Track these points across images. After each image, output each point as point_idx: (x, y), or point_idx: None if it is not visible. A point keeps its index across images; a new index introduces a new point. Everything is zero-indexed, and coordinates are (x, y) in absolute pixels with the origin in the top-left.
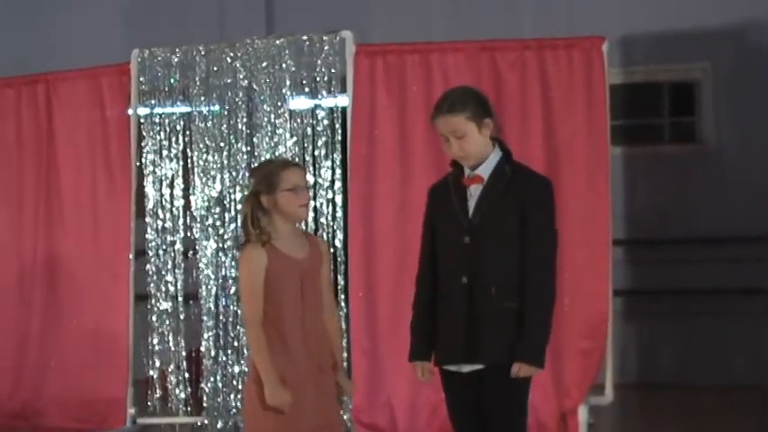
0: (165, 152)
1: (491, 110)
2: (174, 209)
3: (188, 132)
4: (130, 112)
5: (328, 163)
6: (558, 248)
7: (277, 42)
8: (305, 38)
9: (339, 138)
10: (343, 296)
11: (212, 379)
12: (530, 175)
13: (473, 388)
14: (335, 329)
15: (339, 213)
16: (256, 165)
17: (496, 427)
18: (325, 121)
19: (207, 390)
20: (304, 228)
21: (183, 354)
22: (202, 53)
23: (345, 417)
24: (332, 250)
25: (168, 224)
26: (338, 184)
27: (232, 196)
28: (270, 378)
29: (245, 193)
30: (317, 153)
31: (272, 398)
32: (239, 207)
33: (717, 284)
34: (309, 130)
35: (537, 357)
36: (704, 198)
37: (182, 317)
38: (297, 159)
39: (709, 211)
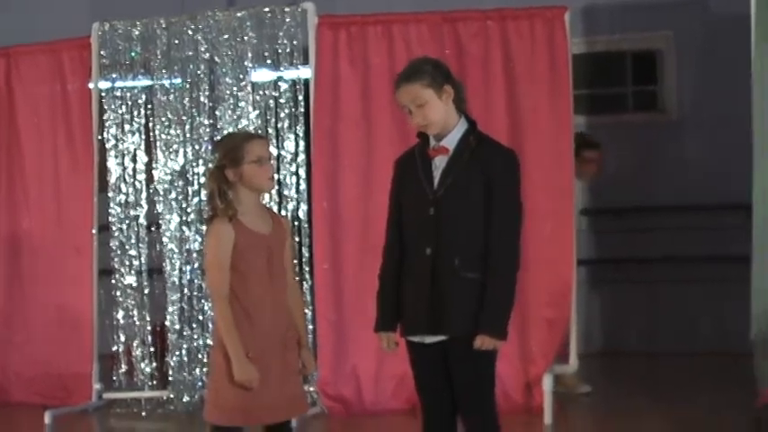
0: (127, 126)
1: (452, 78)
2: (136, 183)
3: (150, 106)
4: (92, 85)
5: (291, 135)
6: (522, 220)
7: (238, 15)
8: (266, 10)
9: (302, 110)
10: (307, 269)
11: (177, 353)
12: (495, 147)
13: (438, 358)
14: (298, 306)
15: (303, 186)
16: (219, 138)
17: (464, 398)
18: (288, 94)
19: (172, 364)
20: (267, 201)
21: (148, 328)
22: (163, 26)
23: (311, 389)
24: (296, 223)
25: (131, 198)
26: (302, 157)
27: (195, 170)
28: (237, 354)
29: (209, 167)
30: (280, 125)
31: (239, 373)
32: (202, 180)
33: (680, 252)
34: (272, 102)
35: (499, 329)
36: (667, 167)
37: (146, 291)
38: (260, 132)
39: (672, 179)
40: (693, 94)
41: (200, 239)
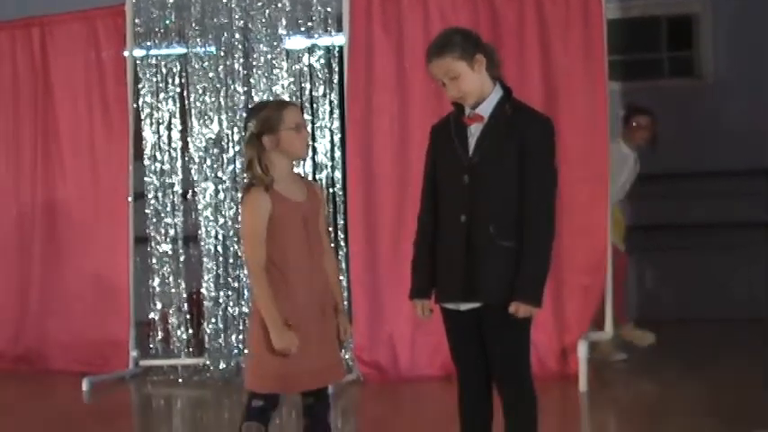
0: (161, 94)
1: (482, 46)
2: (171, 151)
3: (184, 74)
4: (126, 54)
5: (326, 103)
6: (557, 188)
7: None
8: None
9: (336, 77)
10: (342, 235)
11: (213, 320)
12: (530, 114)
13: (472, 325)
14: (334, 272)
15: (337, 153)
16: (252, 106)
17: (499, 366)
18: (322, 61)
19: (208, 331)
20: (302, 168)
21: (184, 296)
22: None
23: (347, 356)
24: (331, 190)
25: (166, 166)
26: (336, 124)
27: (230, 137)
28: (275, 322)
29: (244, 135)
30: (314, 93)
31: (278, 341)
32: (237, 148)
33: (716, 218)
34: (306, 69)
35: (534, 297)
36: (703, 133)
37: (181, 259)
38: (294, 99)
39: (708, 145)
40: (729, 59)
41: (235, 207)
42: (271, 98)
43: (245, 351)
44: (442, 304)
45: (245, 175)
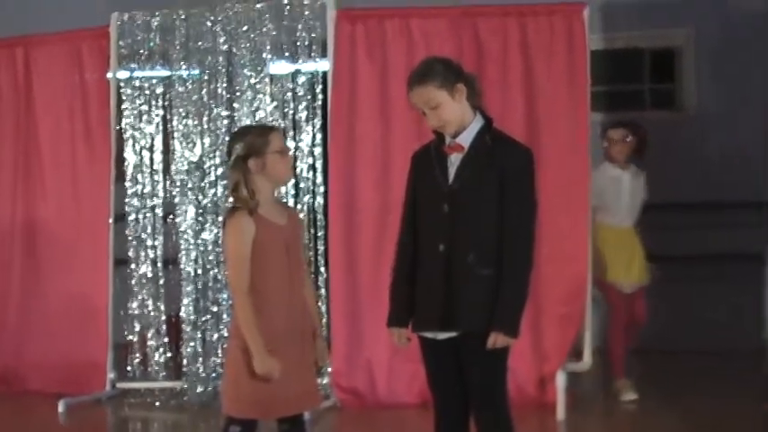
0: (144, 116)
1: (463, 74)
2: (153, 173)
3: (168, 96)
4: (110, 75)
5: (309, 128)
6: (536, 218)
7: (257, 6)
8: (285, 2)
9: (320, 103)
10: (323, 261)
11: (191, 344)
12: (510, 145)
13: (450, 354)
14: (311, 297)
15: (319, 179)
16: (237, 130)
17: (476, 395)
18: (306, 86)
19: (186, 354)
20: (283, 193)
21: (163, 318)
22: (182, 17)
23: (325, 381)
24: (312, 216)
25: (148, 188)
26: (318, 150)
27: (212, 161)
28: (258, 347)
29: (228, 159)
30: (297, 118)
31: (261, 366)
32: (219, 172)
33: (695, 250)
34: (290, 94)
35: (512, 328)
36: (684, 165)
37: (161, 281)
38: (278, 124)
39: (689, 177)
40: (711, 92)
41: (215, 231)
42: (254, 123)
43: (223, 375)
44: (420, 333)
45: (226, 198)
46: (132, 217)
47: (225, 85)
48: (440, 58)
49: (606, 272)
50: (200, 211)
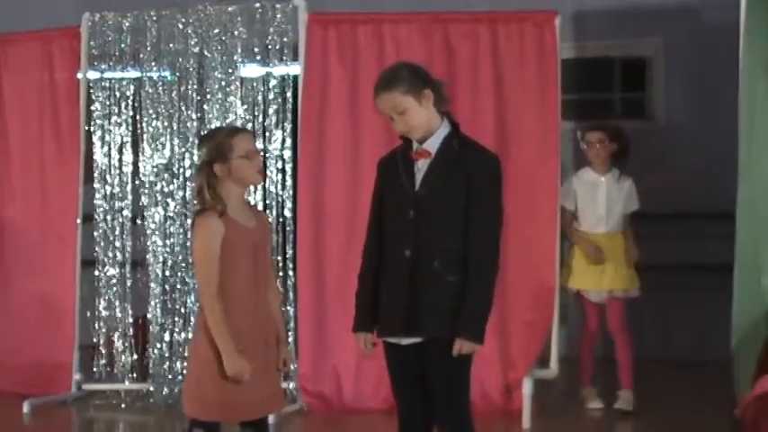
0: (114, 117)
1: (430, 80)
2: (122, 175)
3: (138, 98)
4: (80, 76)
5: (279, 132)
6: (502, 225)
7: (229, 9)
8: (257, 5)
9: (290, 106)
10: (291, 265)
11: (158, 346)
12: (478, 151)
13: (414, 360)
14: (277, 301)
15: (289, 182)
16: (204, 134)
17: (439, 399)
18: (277, 90)
19: (153, 356)
20: (253, 197)
21: (130, 320)
22: (154, 18)
23: (291, 386)
24: (281, 220)
25: (116, 190)
26: (288, 153)
27: (181, 163)
28: (228, 348)
29: (196, 162)
30: (267, 122)
31: (231, 367)
32: (188, 174)
33: (663, 261)
34: (261, 97)
35: (477, 334)
36: (653, 174)
37: (128, 283)
38: (247, 127)
39: (658, 186)
40: (681, 101)
41: (184, 233)
42: (224, 125)
43: (186, 377)
44: (384, 338)
45: (195, 201)
46: (100, 218)
47: (195, 87)
48: (407, 63)
49: (568, 278)
50: (169, 213)
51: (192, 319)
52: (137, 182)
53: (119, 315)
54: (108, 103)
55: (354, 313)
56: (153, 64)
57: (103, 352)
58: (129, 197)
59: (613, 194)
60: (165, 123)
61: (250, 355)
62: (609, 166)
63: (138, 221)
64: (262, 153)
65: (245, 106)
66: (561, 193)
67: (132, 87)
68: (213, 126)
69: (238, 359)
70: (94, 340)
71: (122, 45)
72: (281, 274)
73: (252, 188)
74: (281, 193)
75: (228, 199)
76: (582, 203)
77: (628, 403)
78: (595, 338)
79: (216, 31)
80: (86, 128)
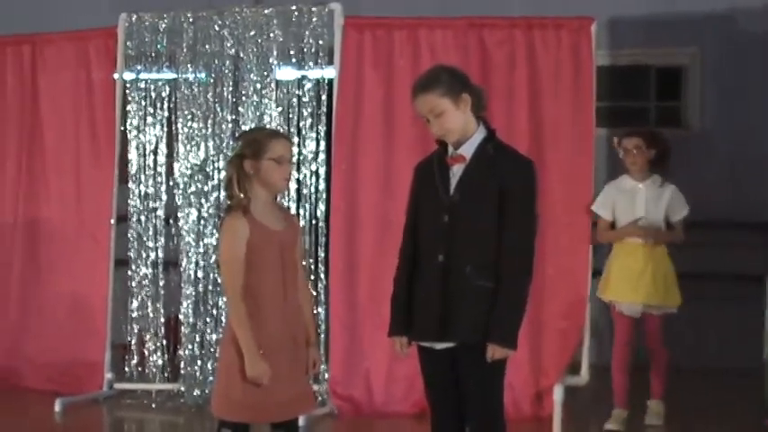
0: (149, 118)
1: (470, 85)
2: (157, 175)
3: (173, 99)
4: (116, 76)
5: (313, 134)
6: (537, 231)
7: (265, 12)
8: (294, 8)
9: (324, 110)
10: (323, 269)
11: (190, 346)
12: (513, 157)
13: (447, 364)
14: (308, 303)
15: (322, 185)
16: (246, 129)
17: (473, 405)
18: (312, 93)
19: (184, 357)
20: (286, 199)
21: (162, 320)
22: (190, 20)
23: (321, 388)
24: (313, 222)
25: (151, 190)
26: (322, 156)
27: (215, 164)
28: (250, 349)
29: (229, 154)
30: (302, 124)
31: (251, 369)
32: (222, 176)
33: (697, 269)
34: (295, 100)
35: (510, 340)
36: (688, 182)
37: (161, 283)
38: (282, 129)
39: (693, 195)
40: (716, 111)
41: (217, 234)
42: (264, 126)
43: (216, 377)
44: (418, 342)
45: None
46: (134, 218)
47: (231, 89)
48: (446, 66)
49: (605, 290)
50: (202, 214)
51: (224, 319)
52: (171, 183)
53: (151, 315)
54: (143, 103)
55: (390, 317)
56: (189, 65)
57: (135, 352)
58: (164, 198)
59: (653, 202)
60: (201, 125)
61: (278, 357)
62: (647, 173)
63: (172, 222)
64: (296, 155)
65: (280, 108)
66: (597, 202)
67: (168, 88)
68: (247, 128)
69: (259, 362)
70: (127, 340)
71: (158, 46)
72: (312, 276)
73: (286, 192)
74: (314, 195)
75: (256, 199)
76: (619, 212)
77: (658, 417)
78: (626, 355)
79: (252, 33)
80: (121, 128)
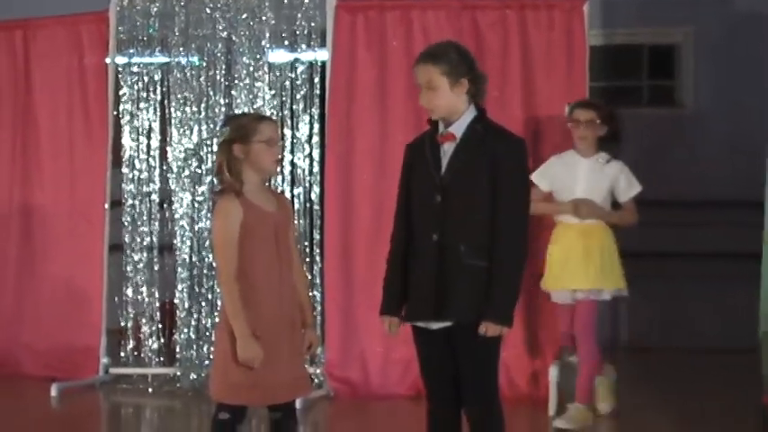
0: (142, 102)
1: (474, 70)
2: (150, 159)
3: (166, 83)
4: (108, 60)
5: (306, 117)
6: (529, 208)
7: None
8: None
9: (318, 92)
10: (318, 251)
11: (185, 330)
12: (502, 135)
13: (443, 344)
14: (303, 285)
15: (316, 168)
16: (231, 114)
17: (467, 385)
18: (304, 76)
19: (180, 341)
20: (281, 182)
21: (157, 305)
22: (182, 3)
23: (318, 371)
24: (308, 205)
25: (144, 175)
26: (316, 139)
27: (209, 148)
28: (243, 333)
29: (218, 140)
30: (295, 107)
31: (243, 352)
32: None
33: (692, 248)
34: (288, 83)
35: (504, 317)
36: (680, 162)
37: (156, 268)
38: (275, 113)
39: (686, 174)
40: (710, 90)
41: (210, 218)
42: (251, 111)
43: (213, 360)
44: (413, 322)
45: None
46: (128, 203)
47: (223, 72)
48: (459, 46)
49: (544, 279)
50: (196, 198)
51: (219, 303)
52: (164, 167)
53: (146, 299)
54: (136, 88)
55: (382, 297)
56: (181, 49)
57: (131, 336)
58: (157, 182)
59: (596, 180)
60: (194, 108)
61: (274, 340)
62: (595, 151)
63: (166, 206)
64: (289, 138)
65: (273, 91)
66: (537, 171)
67: (160, 72)
68: (241, 111)
69: (252, 344)
70: (122, 324)
71: (150, 30)
72: (307, 259)
73: (279, 174)
74: (308, 178)
75: (246, 183)
76: (558, 185)
77: (573, 421)
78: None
79: (244, 16)
80: (114, 113)
